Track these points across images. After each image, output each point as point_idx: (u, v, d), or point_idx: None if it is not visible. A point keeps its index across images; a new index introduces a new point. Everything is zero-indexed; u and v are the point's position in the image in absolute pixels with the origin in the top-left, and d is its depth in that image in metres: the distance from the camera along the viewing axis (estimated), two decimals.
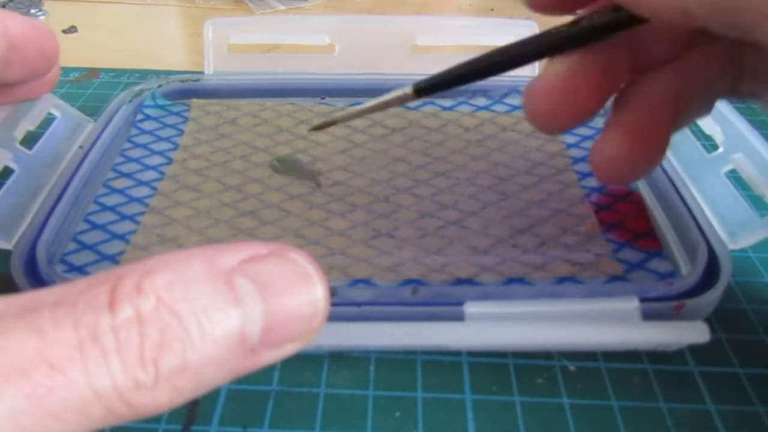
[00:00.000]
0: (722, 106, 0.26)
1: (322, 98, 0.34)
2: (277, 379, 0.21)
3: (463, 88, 0.33)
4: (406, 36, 0.35)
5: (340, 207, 0.26)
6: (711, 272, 0.22)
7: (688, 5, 0.15)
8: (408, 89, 0.23)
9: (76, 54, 0.42)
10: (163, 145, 0.30)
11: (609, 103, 0.20)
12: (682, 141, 0.27)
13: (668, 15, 0.16)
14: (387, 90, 0.33)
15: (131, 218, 0.26)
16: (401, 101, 0.23)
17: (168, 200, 0.27)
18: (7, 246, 0.23)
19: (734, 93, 0.20)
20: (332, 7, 0.51)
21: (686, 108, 0.20)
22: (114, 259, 0.24)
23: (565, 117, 0.20)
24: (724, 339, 0.22)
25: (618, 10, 0.18)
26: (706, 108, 0.21)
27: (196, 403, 0.20)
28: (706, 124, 0.27)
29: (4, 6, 0.50)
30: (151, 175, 0.28)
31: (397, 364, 0.21)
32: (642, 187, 0.27)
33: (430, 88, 0.22)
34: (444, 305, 0.21)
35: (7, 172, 0.25)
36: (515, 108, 0.32)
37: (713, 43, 0.19)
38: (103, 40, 0.45)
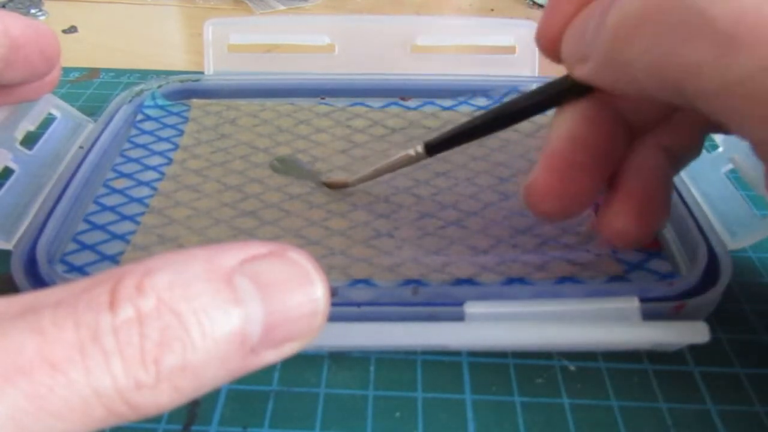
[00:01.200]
0: None
1: (322, 98, 0.34)
2: (277, 379, 0.21)
3: (462, 88, 0.33)
4: (406, 36, 0.35)
5: (340, 207, 0.26)
6: (711, 272, 0.22)
7: (638, 77, 0.16)
8: (419, 147, 0.24)
9: (76, 54, 0.42)
10: (163, 146, 0.30)
11: None
12: None
13: (621, 87, 0.17)
14: (386, 90, 0.34)
15: (131, 218, 0.26)
16: (412, 160, 0.24)
17: (168, 200, 0.27)
18: (7, 246, 0.23)
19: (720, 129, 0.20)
20: (332, 7, 0.51)
21: (681, 161, 0.20)
22: (114, 259, 0.24)
23: (571, 209, 0.20)
24: (724, 339, 0.22)
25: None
26: (698, 150, 0.21)
27: (196, 403, 0.20)
28: None
29: (4, 6, 0.50)
30: (151, 175, 0.28)
31: (397, 364, 0.21)
32: None
33: (440, 145, 0.23)
34: (444, 305, 0.21)
35: (7, 172, 0.25)
36: None
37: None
38: (103, 40, 0.45)
